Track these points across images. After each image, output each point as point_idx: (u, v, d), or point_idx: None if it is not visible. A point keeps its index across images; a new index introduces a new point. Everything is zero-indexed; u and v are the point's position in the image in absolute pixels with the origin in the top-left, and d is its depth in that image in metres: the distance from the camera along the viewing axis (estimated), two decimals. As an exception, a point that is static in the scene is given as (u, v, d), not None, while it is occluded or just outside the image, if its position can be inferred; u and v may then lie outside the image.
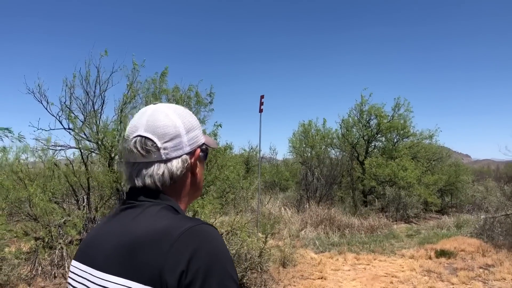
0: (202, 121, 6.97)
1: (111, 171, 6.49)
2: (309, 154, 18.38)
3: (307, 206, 14.51)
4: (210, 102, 7.24)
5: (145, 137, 1.03)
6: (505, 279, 7.55)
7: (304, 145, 19.04)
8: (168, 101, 7.15)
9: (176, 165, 1.05)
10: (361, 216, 14.56)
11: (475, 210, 16.29)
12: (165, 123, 1.05)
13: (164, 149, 1.03)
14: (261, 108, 9.75)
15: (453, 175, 21.26)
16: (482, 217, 11.57)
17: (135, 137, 1.04)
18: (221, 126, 7.28)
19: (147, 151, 1.02)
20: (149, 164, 1.04)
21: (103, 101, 7.15)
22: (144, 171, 1.04)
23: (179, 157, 1.05)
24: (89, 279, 1.00)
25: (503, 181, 16.93)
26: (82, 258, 1.05)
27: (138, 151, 1.02)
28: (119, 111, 7.00)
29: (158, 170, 1.03)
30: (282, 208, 14.25)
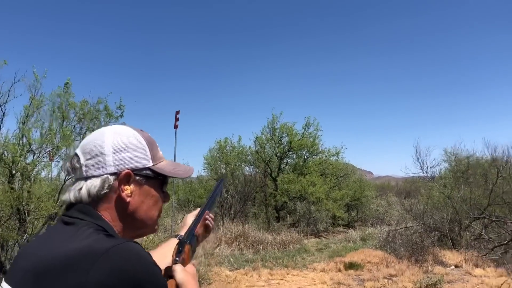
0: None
1: (11, 189, 5.95)
2: (224, 170, 18.43)
3: (222, 223, 14.47)
4: (121, 116, 7.04)
5: (76, 154, 1.04)
6: (406, 287, 8.09)
7: (219, 162, 19.09)
8: (76, 115, 6.80)
9: (94, 183, 0.99)
10: (274, 232, 14.86)
11: (379, 224, 17.39)
12: (93, 141, 1.04)
13: (86, 166, 1.01)
14: (176, 124, 9.63)
15: (358, 190, 22.54)
16: (385, 230, 12.36)
17: (74, 154, 1.05)
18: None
19: (73, 168, 1.04)
20: (76, 180, 1.03)
21: (3, 114, 6.58)
22: (71, 187, 1.03)
23: (99, 176, 1.00)
24: None
25: (403, 196, 18.27)
26: (8, 277, 0.94)
27: (68, 167, 1.05)
28: (21, 124, 6.49)
29: (78, 186, 1.01)
30: (196, 226, 14.05)
